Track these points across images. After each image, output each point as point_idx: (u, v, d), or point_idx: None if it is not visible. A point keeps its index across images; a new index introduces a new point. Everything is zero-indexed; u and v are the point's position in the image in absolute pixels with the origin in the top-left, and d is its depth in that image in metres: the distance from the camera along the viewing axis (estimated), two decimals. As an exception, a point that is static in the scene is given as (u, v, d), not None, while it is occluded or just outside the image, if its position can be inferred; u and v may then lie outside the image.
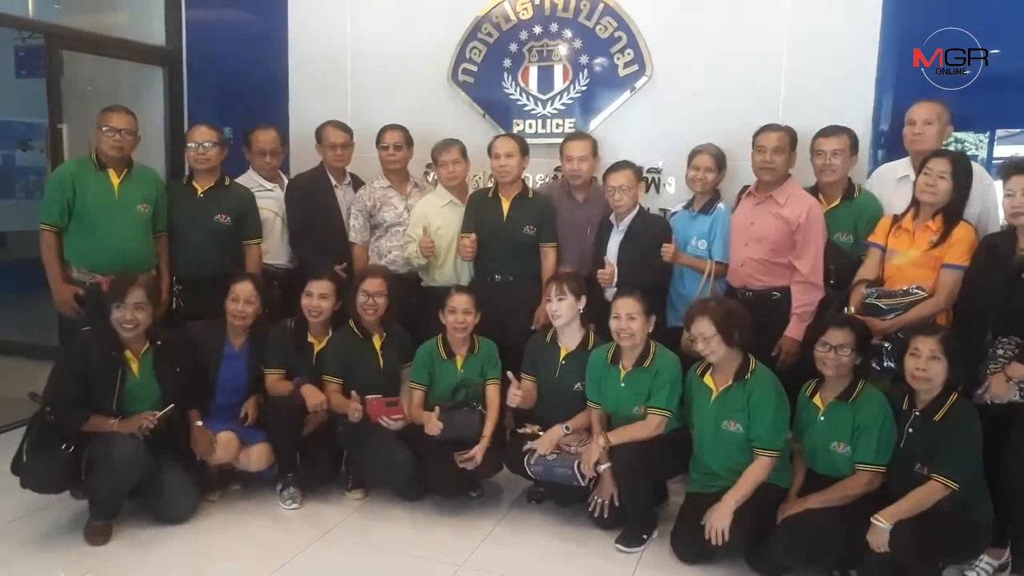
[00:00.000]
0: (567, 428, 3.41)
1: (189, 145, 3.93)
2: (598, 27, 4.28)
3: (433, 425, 3.42)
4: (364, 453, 3.59)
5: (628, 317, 3.25)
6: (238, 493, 3.65)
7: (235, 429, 3.52)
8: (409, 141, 4.16)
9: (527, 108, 4.47)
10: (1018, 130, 3.80)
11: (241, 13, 5.16)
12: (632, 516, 3.27)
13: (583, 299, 3.50)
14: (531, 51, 4.42)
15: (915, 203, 3.20)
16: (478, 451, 3.42)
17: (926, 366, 2.75)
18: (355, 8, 4.76)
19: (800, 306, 3.38)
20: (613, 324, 3.29)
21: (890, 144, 3.86)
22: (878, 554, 2.69)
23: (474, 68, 4.52)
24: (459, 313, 3.55)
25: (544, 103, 4.44)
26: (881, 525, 2.67)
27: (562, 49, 4.37)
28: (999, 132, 3.89)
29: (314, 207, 4.17)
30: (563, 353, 3.54)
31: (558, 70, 4.39)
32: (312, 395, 3.48)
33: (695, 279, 3.65)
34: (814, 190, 3.56)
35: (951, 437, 2.73)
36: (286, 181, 4.30)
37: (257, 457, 3.52)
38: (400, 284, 3.83)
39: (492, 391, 3.61)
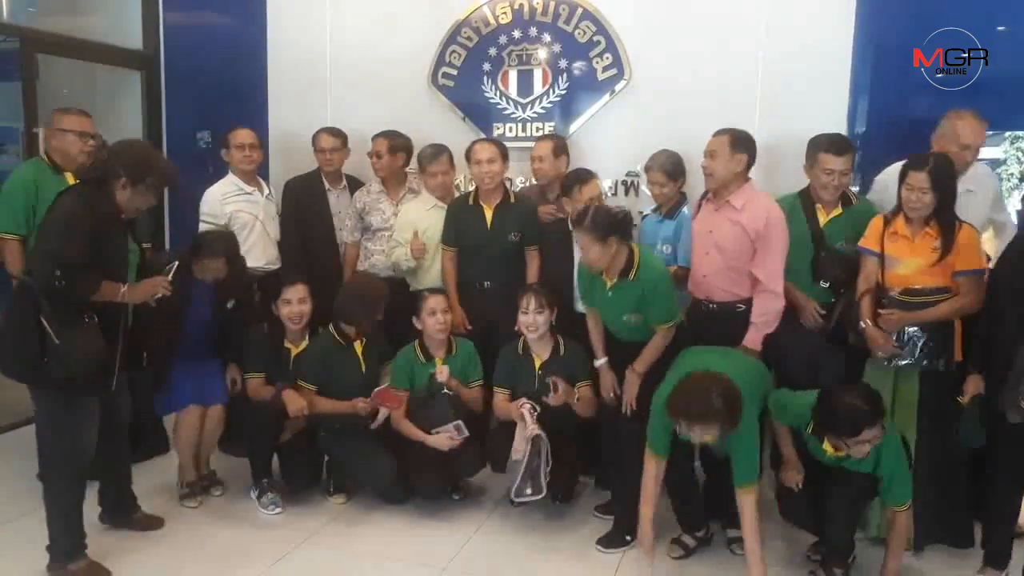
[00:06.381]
0: (577, 400, 3.45)
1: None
2: (577, 31, 4.30)
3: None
4: (347, 458, 3.59)
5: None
6: (219, 499, 3.64)
7: (198, 384, 3.54)
8: (393, 148, 4.15)
9: (507, 112, 4.48)
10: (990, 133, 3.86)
11: (219, 17, 5.13)
12: (618, 515, 3.29)
13: (555, 311, 3.52)
14: (511, 55, 4.44)
15: (900, 208, 3.10)
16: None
17: None
18: (334, 12, 4.74)
19: (759, 315, 3.22)
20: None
21: (866, 146, 3.91)
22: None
23: (454, 72, 4.53)
24: (439, 313, 3.56)
25: (524, 107, 4.45)
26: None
27: (541, 53, 4.39)
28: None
29: (306, 210, 4.28)
30: (538, 364, 3.56)
31: (537, 74, 4.41)
32: (293, 401, 3.47)
33: None
34: (807, 196, 3.43)
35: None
36: (264, 185, 4.31)
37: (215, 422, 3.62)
38: (395, 287, 3.88)
39: (474, 392, 3.65)
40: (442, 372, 3.55)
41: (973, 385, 2.88)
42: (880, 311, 3.03)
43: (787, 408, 2.99)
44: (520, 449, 3.31)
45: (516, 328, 3.75)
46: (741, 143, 3.28)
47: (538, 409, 3.39)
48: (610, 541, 3.24)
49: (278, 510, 3.50)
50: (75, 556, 2.91)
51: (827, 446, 2.84)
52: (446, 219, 3.90)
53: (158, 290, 2.98)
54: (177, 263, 3.16)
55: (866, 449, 2.71)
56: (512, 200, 3.90)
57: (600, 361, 3.39)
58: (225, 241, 3.61)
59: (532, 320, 3.48)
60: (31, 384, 2.88)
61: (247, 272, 3.77)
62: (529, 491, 3.30)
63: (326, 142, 4.27)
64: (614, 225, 3.08)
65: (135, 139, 2.90)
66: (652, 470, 2.96)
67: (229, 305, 3.58)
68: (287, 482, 3.68)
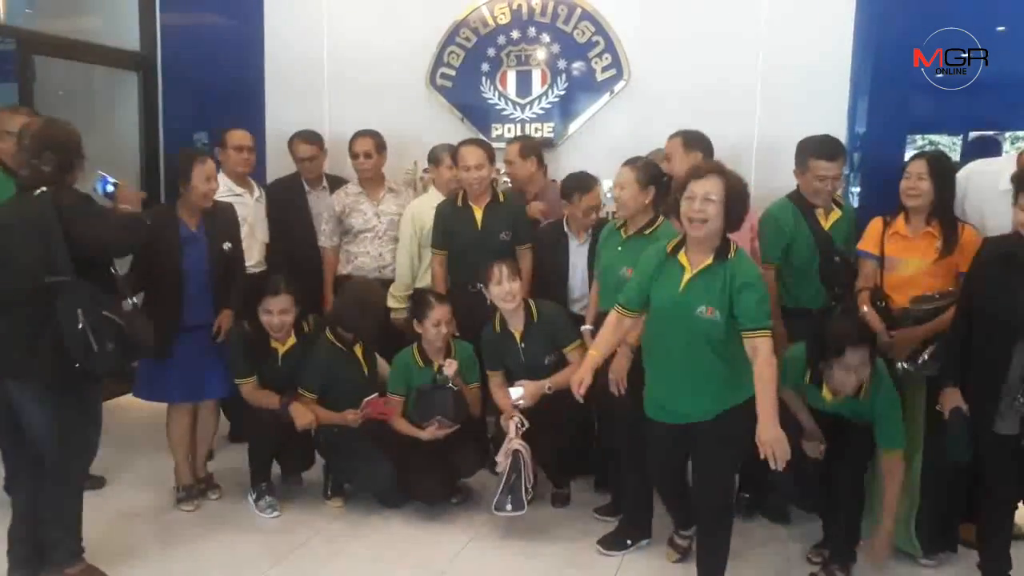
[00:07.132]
0: (548, 388, 3.41)
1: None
2: (575, 32, 4.30)
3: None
4: (345, 462, 3.58)
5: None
6: (216, 503, 3.62)
7: (197, 376, 3.48)
8: (380, 147, 4.13)
9: (505, 112, 4.47)
10: (990, 133, 3.85)
11: (216, 18, 5.12)
12: (624, 515, 3.27)
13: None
14: (509, 55, 4.43)
15: (902, 207, 3.06)
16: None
17: None
18: (332, 12, 4.73)
19: None
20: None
21: (866, 147, 3.90)
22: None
23: (452, 72, 4.52)
24: (442, 325, 3.52)
25: (523, 107, 4.45)
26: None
27: (540, 54, 4.38)
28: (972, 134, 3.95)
29: (287, 213, 4.25)
30: (518, 337, 3.52)
31: (536, 74, 4.40)
32: (301, 415, 3.43)
33: None
34: (802, 200, 3.36)
35: None
36: (255, 187, 4.26)
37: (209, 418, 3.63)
38: (384, 287, 3.88)
39: (473, 393, 3.63)
40: (451, 365, 3.51)
41: (949, 399, 2.74)
42: (893, 335, 2.97)
43: (786, 365, 2.89)
44: (502, 462, 3.29)
45: (488, 303, 3.63)
46: (694, 143, 3.35)
47: (526, 425, 3.33)
48: (611, 543, 3.22)
49: (275, 513, 3.48)
50: (73, 560, 2.88)
51: (826, 392, 2.84)
52: (435, 222, 3.85)
53: (139, 194, 3.08)
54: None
55: (852, 380, 2.72)
56: (501, 200, 3.83)
57: (587, 327, 3.39)
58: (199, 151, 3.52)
59: (508, 289, 3.42)
60: (62, 386, 2.72)
61: (232, 207, 3.68)
62: (510, 507, 3.25)
63: (304, 151, 4.23)
64: (659, 180, 3.22)
65: (44, 123, 2.77)
66: (614, 322, 2.84)
67: (226, 247, 3.48)
68: (281, 470, 3.69)
